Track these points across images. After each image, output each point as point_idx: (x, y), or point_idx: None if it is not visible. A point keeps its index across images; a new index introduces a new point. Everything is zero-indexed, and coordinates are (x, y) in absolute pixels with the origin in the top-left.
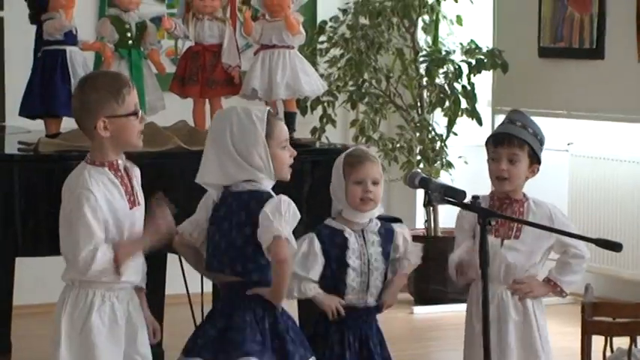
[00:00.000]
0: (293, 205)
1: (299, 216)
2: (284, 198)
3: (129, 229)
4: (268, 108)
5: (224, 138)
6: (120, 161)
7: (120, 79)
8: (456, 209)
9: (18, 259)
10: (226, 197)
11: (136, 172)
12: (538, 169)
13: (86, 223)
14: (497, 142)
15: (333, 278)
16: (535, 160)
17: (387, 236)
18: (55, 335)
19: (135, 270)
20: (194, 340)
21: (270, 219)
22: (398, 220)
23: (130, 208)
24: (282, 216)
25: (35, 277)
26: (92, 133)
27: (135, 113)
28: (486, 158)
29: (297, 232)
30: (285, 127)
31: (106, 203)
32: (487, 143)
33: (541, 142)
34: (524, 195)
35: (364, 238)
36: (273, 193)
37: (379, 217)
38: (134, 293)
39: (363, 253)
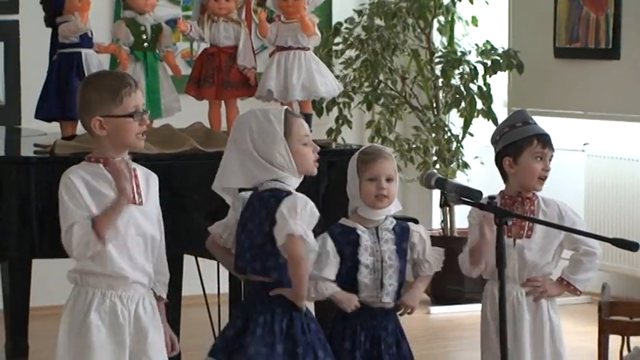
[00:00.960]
0: (311, 203)
1: (318, 215)
2: (301, 196)
3: (124, 225)
4: (286, 107)
5: (245, 141)
6: (120, 158)
7: (122, 80)
8: None
9: (35, 261)
10: (252, 198)
11: (150, 176)
12: None
13: (64, 206)
14: (546, 142)
15: (348, 276)
16: None
17: (402, 234)
18: (58, 333)
19: (139, 269)
20: (215, 341)
21: (286, 217)
22: (414, 221)
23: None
24: (297, 214)
25: (52, 279)
26: (90, 131)
27: (132, 115)
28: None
29: (314, 233)
30: (305, 123)
31: (86, 187)
32: (526, 141)
33: None
34: (534, 193)
35: (378, 235)
36: (294, 191)
37: (396, 218)
38: (149, 297)
39: (376, 250)
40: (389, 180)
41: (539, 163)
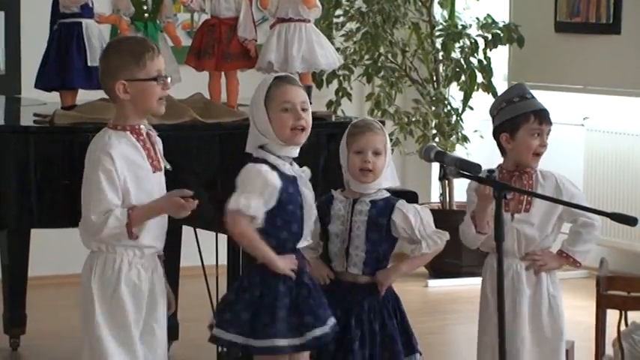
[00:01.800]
0: (260, 172)
1: (272, 183)
2: (248, 167)
3: (151, 192)
4: (280, 74)
5: (250, 105)
6: (142, 126)
7: (144, 44)
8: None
9: (33, 231)
10: None
11: (158, 140)
12: None
13: (99, 186)
14: (543, 118)
15: (325, 244)
16: None
17: (383, 209)
18: (87, 298)
19: (157, 236)
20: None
21: (235, 191)
22: (412, 194)
23: (154, 172)
24: (244, 186)
25: (50, 249)
26: (114, 95)
27: (155, 79)
28: (520, 131)
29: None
30: (292, 90)
31: (126, 164)
32: (523, 117)
33: None
34: (532, 167)
35: (353, 206)
36: (267, 159)
37: (395, 191)
38: (159, 262)
39: (347, 219)
40: (376, 154)
41: (536, 139)
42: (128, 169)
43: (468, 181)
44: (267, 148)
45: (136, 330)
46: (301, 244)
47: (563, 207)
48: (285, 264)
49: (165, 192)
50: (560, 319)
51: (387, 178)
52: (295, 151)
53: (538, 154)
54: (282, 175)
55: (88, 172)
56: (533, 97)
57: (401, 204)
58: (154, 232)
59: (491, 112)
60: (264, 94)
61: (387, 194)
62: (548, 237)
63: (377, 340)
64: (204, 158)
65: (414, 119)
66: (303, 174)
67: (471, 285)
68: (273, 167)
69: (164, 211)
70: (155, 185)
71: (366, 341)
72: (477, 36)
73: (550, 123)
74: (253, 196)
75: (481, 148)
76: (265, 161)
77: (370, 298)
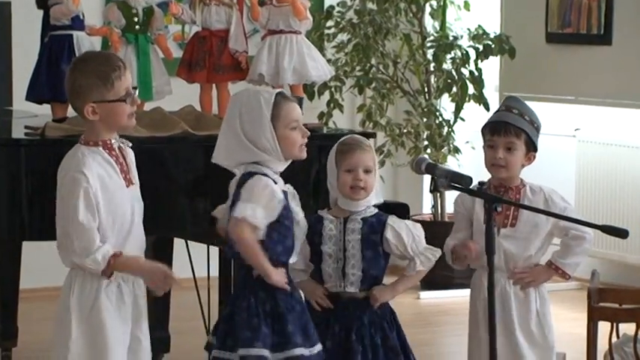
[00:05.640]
0: (268, 185)
1: (278, 196)
2: (256, 178)
3: (122, 206)
4: (279, 90)
5: (234, 120)
6: (113, 140)
7: (110, 63)
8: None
9: (25, 243)
10: (238, 181)
11: (130, 153)
12: (534, 157)
13: (76, 209)
14: (495, 130)
15: (316, 266)
16: (532, 147)
17: (375, 226)
18: (64, 317)
19: (138, 247)
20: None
21: (240, 199)
22: (404, 207)
23: (127, 186)
24: (252, 196)
25: (41, 261)
26: (83, 116)
27: (124, 99)
28: (482, 145)
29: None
30: (296, 108)
31: (99, 181)
32: (483, 130)
33: (537, 130)
34: (522, 181)
35: (345, 225)
36: (267, 174)
37: (386, 203)
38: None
39: (340, 239)
40: (367, 171)
41: (490, 151)
42: (101, 187)
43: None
44: (264, 163)
45: (122, 347)
46: (292, 260)
47: (553, 223)
48: (279, 277)
49: (142, 204)
50: (549, 332)
51: (375, 195)
52: (284, 166)
53: (493, 165)
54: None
55: (63, 193)
56: (507, 108)
57: (392, 220)
58: (134, 244)
59: None
60: (270, 111)
61: (376, 210)
62: (536, 253)
63: (380, 353)
64: (195, 170)
65: (405, 131)
66: (289, 190)
67: (462, 297)
68: (274, 182)
69: (146, 275)
70: (127, 200)
71: (368, 356)
72: (469, 47)
73: (504, 135)
74: (259, 208)
75: (473, 159)
76: (266, 175)
77: (370, 311)
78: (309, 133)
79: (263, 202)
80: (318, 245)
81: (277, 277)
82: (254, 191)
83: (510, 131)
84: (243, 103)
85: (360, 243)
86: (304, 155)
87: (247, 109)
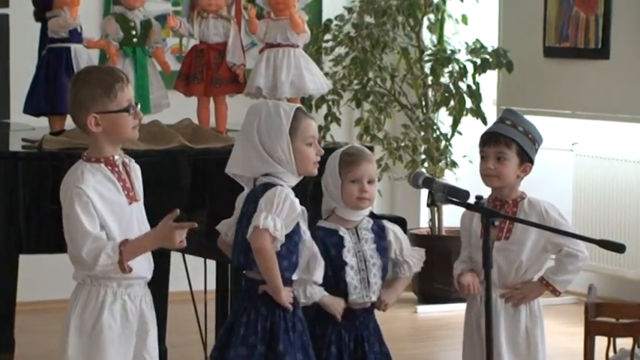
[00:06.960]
0: (289, 197)
1: (298, 209)
2: (280, 190)
3: (129, 224)
4: (299, 105)
5: (252, 131)
6: (117, 156)
7: (113, 75)
8: (461, 209)
9: (22, 256)
10: (250, 194)
11: (135, 168)
12: (530, 168)
13: (79, 221)
14: (485, 141)
15: (335, 279)
16: (526, 158)
17: (379, 232)
18: (63, 335)
19: (146, 265)
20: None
21: (261, 209)
22: (402, 220)
23: (130, 203)
24: (273, 207)
25: (39, 275)
26: (85, 128)
27: (127, 109)
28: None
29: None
30: (314, 125)
31: (100, 199)
32: (479, 143)
33: (533, 141)
34: (522, 194)
35: (358, 235)
36: (283, 186)
37: (384, 217)
38: (147, 291)
39: (358, 250)
40: (370, 182)
41: (483, 161)
42: (103, 204)
43: (457, 207)
44: (278, 175)
45: None
46: (295, 276)
47: (546, 238)
48: (286, 296)
49: (147, 222)
50: (536, 349)
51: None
52: (296, 181)
53: (486, 176)
54: None
55: (66, 210)
56: (501, 120)
57: (390, 225)
58: (141, 264)
59: None
60: (289, 124)
61: (370, 219)
62: (529, 269)
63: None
64: (192, 183)
65: (402, 144)
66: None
67: (460, 311)
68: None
69: (157, 240)
70: (133, 218)
71: None
72: (466, 61)
73: (496, 145)
74: (280, 219)
75: (470, 173)
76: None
77: (373, 320)
78: (322, 152)
79: (284, 214)
80: (338, 257)
81: (284, 295)
82: (275, 203)
83: (500, 141)
84: (262, 115)
85: (377, 252)
86: (315, 172)
87: (266, 120)
